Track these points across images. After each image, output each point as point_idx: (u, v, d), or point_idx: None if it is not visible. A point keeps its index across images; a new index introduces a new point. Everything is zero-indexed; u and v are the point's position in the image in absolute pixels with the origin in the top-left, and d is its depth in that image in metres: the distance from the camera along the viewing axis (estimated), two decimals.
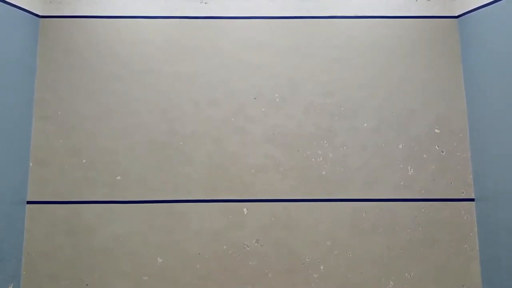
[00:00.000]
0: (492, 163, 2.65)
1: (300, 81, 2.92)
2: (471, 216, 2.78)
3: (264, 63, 2.94)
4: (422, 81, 2.92)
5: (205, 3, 2.99)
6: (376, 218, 2.80)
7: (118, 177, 2.81)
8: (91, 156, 2.82)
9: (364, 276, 2.75)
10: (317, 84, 2.92)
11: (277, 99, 2.91)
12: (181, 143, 2.86)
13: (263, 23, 2.98)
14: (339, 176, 2.84)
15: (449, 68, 2.93)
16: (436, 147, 2.86)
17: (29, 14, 2.85)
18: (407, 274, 2.74)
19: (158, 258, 2.75)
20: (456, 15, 2.97)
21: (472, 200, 2.80)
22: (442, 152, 2.85)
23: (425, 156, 2.85)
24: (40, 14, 2.94)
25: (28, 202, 2.76)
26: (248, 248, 2.77)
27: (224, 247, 2.77)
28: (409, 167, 2.84)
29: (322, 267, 2.76)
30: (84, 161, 2.82)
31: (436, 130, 2.87)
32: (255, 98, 2.91)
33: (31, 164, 2.79)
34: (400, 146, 2.86)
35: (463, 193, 2.81)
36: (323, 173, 2.84)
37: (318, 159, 2.86)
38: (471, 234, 2.77)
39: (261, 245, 2.78)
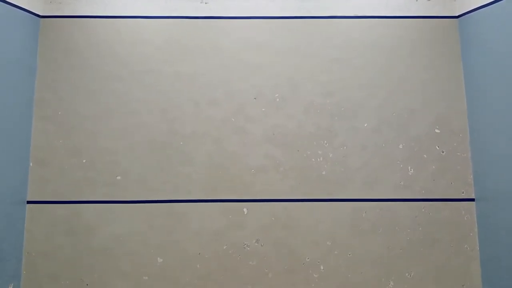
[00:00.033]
0: (492, 163, 2.64)
1: (300, 81, 2.92)
2: (471, 216, 2.78)
3: (264, 63, 2.94)
4: (422, 81, 2.92)
5: (205, 3, 2.99)
6: (376, 218, 2.80)
7: (118, 177, 2.81)
8: (91, 156, 2.82)
9: (364, 276, 2.75)
10: (317, 84, 2.92)
11: (277, 99, 2.91)
12: (181, 143, 2.86)
13: (263, 23, 2.98)
14: (339, 176, 2.84)
15: (449, 68, 2.93)
16: (436, 147, 2.86)
17: (30, 14, 2.85)
18: (407, 274, 2.74)
19: (158, 258, 2.76)
20: (456, 15, 2.97)
21: (472, 200, 2.79)
22: (442, 152, 2.85)
23: (425, 156, 2.85)
24: (40, 14, 2.94)
25: (28, 202, 2.76)
26: (248, 248, 2.77)
27: (224, 247, 2.77)
28: (409, 167, 2.84)
29: (322, 267, 2.76)
30: (84, 161, 2.82)
31: (436, 130, 2.87)
32: (255, 98, 2.91)
33: (31, 164, 2.80)
34: (400, 146, 2.86)
35: (463, 193, 2.81)
36: (323, 173, 2.84)
37: (318, 159, 2.86)
38: (471, 234, 2.76)
39: (261, 245, 2.78)
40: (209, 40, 2.96)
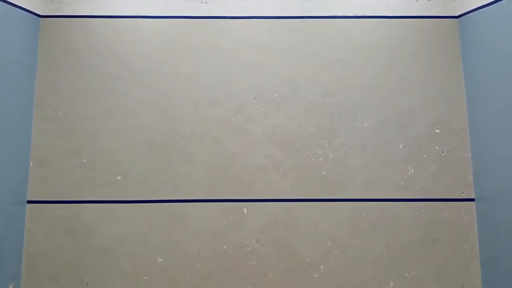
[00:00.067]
0: (492, 163, 2.64)
1: (300, 81, 2.92)
2: (471, 216, 2.78)
3: (264, 63, 2.94)
4: (422, 81, 2.92)
5: (205, 3, 2.99)
6: (376, 218, 2.80)
7: (118, 177, 2.81)
8: (91, 156, 2.82)
9: (364, 276, 2.75)
10: (317, 84, 2.92)
11: (277, 99, 2.91)
12: (181, 143, 2.86)
13: (263, 23, 2.98)
14: (339, 176, 2.84)
15: (449, 68, 2.93)
16: (436, 147, 2.86)
17: (30, 14, 2.85)
18: (407, 274, 2.74)
19: (158, 258, 2.76)
20: (457, 15, 2.97)
21: (472, 200, 2.79)
22: (442, 152, 2.85)
23: (425, 156, 2.85)
24: (40, 13, 2.94)
25: (28, 202, 2.76)
26: (248, 248, 2.77)
27: (224, 247, 2.77)
28: (409, 167, 2.84)
29: (322, 267, 2.76)
30: (84, 161, 2.82)
31: (436, 130, 2.87)
32: (255, 98, 2.91)
33: (31, 164, 2.80)
34: (400, 146, 2.86)
35: (463, 193, 2.81)
36: (323, 173, 2.84)
37: (318, 159, 2.86)
38: (471, 234, 2.76)
39: (261, 245, 2.78)
40: (209, 40, 2.96)
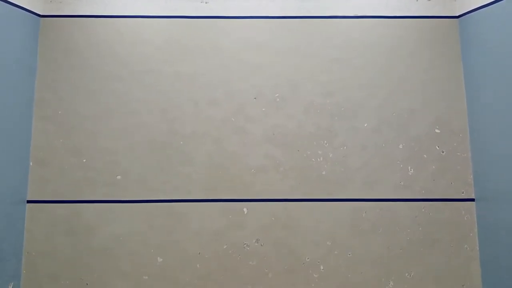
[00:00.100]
0: (492, 163, 2.64)
1: (300, 81, 2.92)
2: (471, 216, 2.78)
3: (264, 63, 2.94)
4: (422, 81, 2.92)
5: (205, 2, 2.99)
6: (376, 218, 2.80)
7: (118, 177, 2.81)
8: (91, 156, 2.82)
9: (364, 276, 2.75)
10: (317, 84, 2.92)
11: (277, 99, 2.91)
12: (181, 143, 2.86)
13: (263, 23, 2.98)
14: (339, 176, 2.84)
15: (449, 68, 2.93)
16: (436, 147, 2.86)
17: (30, 14, 2.85)
18: (407, 274, 2.74)
19: (158, 258, 2.76)
20: (457, 15, 2.97)
21: (472, 200, 2.79)
22: (442, 152, 2.85)
23: (425, 156, 2.85)
24: (40, 13, 2.94)
25: (28, 202, 2.76)
26: (248, 248, 2.77)
27: (224, 247, 2.77)
28: (409, 167, 2.84)
29: (322, 267, 2.76)
30: (84, 160, 2.82)
31: (436, 130, 2.87)
32: (255, 98, 2.91)
33: (31, 164, 2.80)
34: (400, 146, 2.86)
35: (463, 193, 2.81)
36: (323, 173, 2.84)
37: (318, 159, 2.86)
38: (471, 234, 2.76)
39: (261, 245, 2.78)
40: (209, 40, 2.96)
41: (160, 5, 2.99)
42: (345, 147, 2.87)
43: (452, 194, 2.81)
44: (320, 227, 2.80)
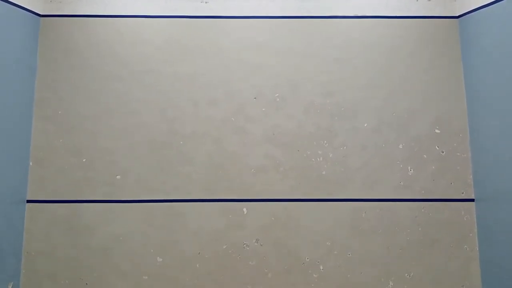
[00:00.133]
0: (492, 163, 2.64)
1: (300, 81, 2.92)
2: (471, 217, 2.78)
3: (264, 63, 2.94)
4: (422, 81, 2.91)
5: (205, 2, 2.99)
6: (376, 218, 2.80)
7: (118, 177, 2.81)
8: (91, 156, 2.82)
9: (364, 276, 2.75)
10: (317, 84, 2.92)
11: (277, 99, 2.91)
12: (181, 143, 2.86)
13: (263, 23, 2.98)
14: (339, 176, 2.84)
15: (450, 68, 2.93)
16: (436, 147, 2.86)
17: (30, 13, 2.85)
18: (406, 274, 2.74)
19: (158, 258, 2.76)
20: (457, 15, 2.97)
21: (472, 200, 2.79)
22: (442, 152, 2.85)
23: (425, 156, 2.85)
24: (40, 13, 2.94)
25: (28, 201, 2.76)
26: (248, 248, 2.77)
27: (224, 247, 2.77)
28: (409, 167, 2.84)
29: (321, 267, 2.76)
30: (84, 160, 2.82)
31: (436, 131, 2.87)
32: (255, 98, 2.91)
33: (31, 163, 2.80)
34: (400, 146, 2.86)
35: (463, 193, 2.81)
36: (323, 173, 2.84)
37: (318, 159, 2.86)
38: (471, 234, 2.76)
39: (261, 245, 2.78)
40: (209, 40, 2.96)
41: (160, 5, 2.99)
42: (345, 147, 2.87)
43: (452, 194, 2.81)
44: (320, 227, 2.80)
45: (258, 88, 2.92)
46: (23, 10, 2.79)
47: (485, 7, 2.71)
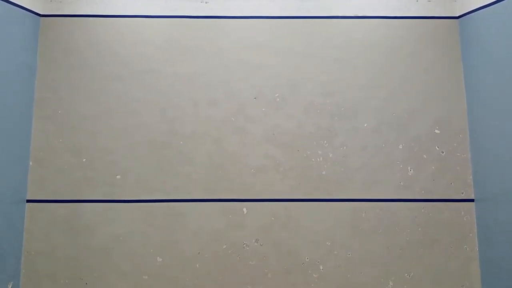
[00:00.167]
0: (492, 163, 2.64)
1: (300, 81, 2.92)
2: (470, 217, 2.78)
3: (264, 63, 2.94)
4: (422, 82, 2.91)
5: (205, 2, 2.99)
6: (376, 218, 2.80)
7: (118, 177, 2.81)
8: (91, 156, 2.82)
9: (364, 276, 2.75)
10: (317, 84, 2.92)
11: (277, 99, 2.91)
12: (181, 142, 2.86)
13: (263, 23, 2.98)
14: (339, 176, 2.84)
15: (450, 68, 2.93)
16: (436, 147, 2.86)
17: (30, 13, 2.85)
18: (406, 274, 2.74)
19: (158, 258, 2.76)
20: (457, 15, 2.97)
21: (472, 200, 2.79)
22: (442, 152, 2.85)
23: (425, 156, 2.85)
24: (40, 13, 2.94)
25: (28, 201, 2.76)
26: (247, 248, 2.78)
27: (224, 247, 2.77)
28: (409, 168, 2.84)
29: (321, 267, 2.76)
30: (84, 160, 2.82)
31: (436, 131, 2.87)
32: (255, 98, 2.91)
33: (31, 163, 2.80)
34: (400, 147, 2.86)
35: (463, 193, 2.81)
36: (323, 173, 2.84)
37: (318, 159, 2.86)
38: (471, 234, 2.76)
39: (261, 245, 2.78)
40: (209, 40, 2.96)
41: (160, 5, 2.99)
42: (345, 147, 2.87)
43: (451, 194, 2.81)
44: (320, 227, 2.80)
45: (258, 88, 2.92)
46: (23, 10, 2.79)
47: (485, 7, 2.71)
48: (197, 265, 2.75)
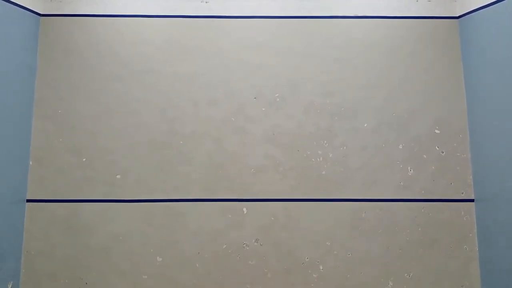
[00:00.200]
0: (492, 164, 2.64)
1: (300, 81, 2.92)
2: (470, 217, 2.78)
3: (264, 63, 2.94)
4: (422, 82, 2.91)
5: (206, 2, 2.99)
6: (375, 218, 2.80)
7: (118, 176, 2.81)
8: (91, 155, 2.82)
9: (364, 276, 2.75)
10: (317, 84, 2.92)
11: (277, 99, 2.91)
12: (181, 142, 2.86)
13: (263, 23, 2.98)
14: (339, 176, 2.84)
15: (450, 68, 2.93)
16: (436, 147, 2.86)
17: (30, 13, 2.85)
18: (406, 274, 2.75)
19: (158, 257, 2.76)
20: (457, 15, 2.97)
21: (472, 200, 2.79)
22: (442, 152, 2.85)
23: (425, 156, 2.85)
24: (40, 12, 2.94)
25: (28, 201, 2.76)
26: (247, 248, 2.78)
27: (224, 247, 2.77)
28: (409, 168, 2.84)
29: (321, 267, 2.76)
30: (83, 160, 2.82)
31: (436, 131, 2.87)
32: (255, 98, 2.91)
33: (31, 163, 2.80)
34: (400, 147, 2.86)
35: (462, 193, 2.81)
36: (323, 173, 2.84)
37: (318, 159, 2.86)
38: (471, 235, 2.77)
39: (261, 245, 2.78)
40: (209, 40, 2.96)
41: (160, 5, 2.98)
42: (345, 147, 2.87)
43: (451, 194, 2.81)
44: (320, 227, 2.80)
45: (258, 88, 2.92)
46: (23, 10, 2.79)
47: (485, 7, 2.71)
48: (197, 265, 2.75)
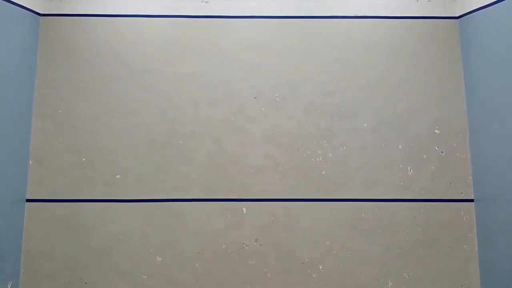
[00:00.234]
0: (491, 164, 2.64)
1: (300, 81, 2.92)
2: (470, 217, 2.78)
3: (264, 63, 2.94)
4: (422, 82, 2.92)
5: (206, 2, 2.99)
6: (375, 218, 2.80)
7: (118, 176, 2.81)
8: (91, 155, 2.82)
9: (363, 276, 2.75)
10: (317, 84, 2.92)
11: (277, 99, 2.91)
12: (180, 142, 2.86)
13: (263, 23, 2.98)
14: (338, 176, 2.84)
15: (450, 68, 2.93)
16: (436, 147, 2.86)
17: (30, 12, 2.85)
18: (406, 274, 2.75)
19: (157, 257, 2.76)
20: (457, 15, 2.97)
21: (472, 201, 2.80)
22: (442, 152, 2.85)
23: (424, 156, 2.85)
24: (41, 12, 2.94)
25: (28, 201, 2.77)
26: (247, 248, 2.78)
27: (223, 247, 2.78)
28: (408, 168, 2.84)
29: (321, 267, 2.76)
30: (83, 159, 2.82)
31: (436, 131, 2.87)
32: (255, 98, 2.91)
33: (30, 163, 2.80)
34: (400, 147, 2.86)
35: (462, 193, 2.81)
36: (323, 173, 2.84)
37: (318, 159, 2.86)
38: (470, 235, 2.77)
39: (260, 245, 2.78)
40: (209, 40, 2.96)
41: (160, 5, 2.98)
42: (345, 147, 2.87)
43: (451, 194, 2.81)
44: (319, 227, 2.80)
45: (258, 88, 2.92)
46: (23, 9, 2.79)
47: (485, 7, 2.71)
48: (197, 265, 2.75)
